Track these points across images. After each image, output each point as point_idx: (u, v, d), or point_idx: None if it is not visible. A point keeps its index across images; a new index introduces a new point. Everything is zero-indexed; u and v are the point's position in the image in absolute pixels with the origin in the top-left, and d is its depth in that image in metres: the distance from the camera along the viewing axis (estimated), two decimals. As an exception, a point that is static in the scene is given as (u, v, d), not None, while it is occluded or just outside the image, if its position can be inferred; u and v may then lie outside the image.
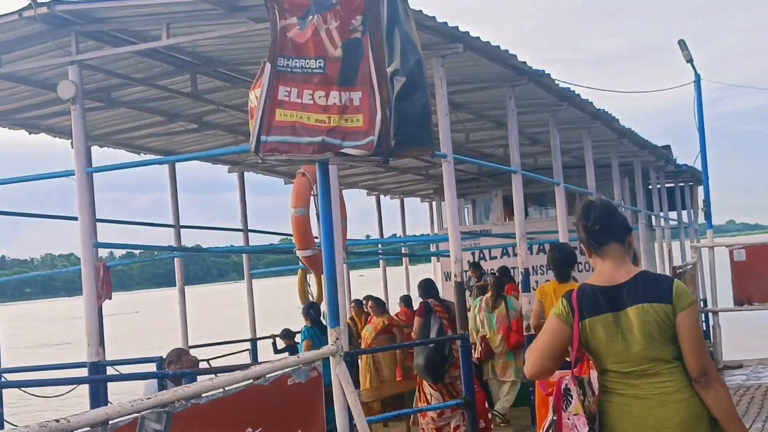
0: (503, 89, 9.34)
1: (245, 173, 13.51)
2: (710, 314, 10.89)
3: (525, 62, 8.90)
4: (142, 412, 3.02)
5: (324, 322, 13.46)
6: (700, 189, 19.42)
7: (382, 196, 17.56)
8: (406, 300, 14.39)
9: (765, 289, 10.73)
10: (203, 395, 3.45)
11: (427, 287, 9.14)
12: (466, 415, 8.03)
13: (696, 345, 3.26)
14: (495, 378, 10.31)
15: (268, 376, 3.98)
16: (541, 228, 16.31)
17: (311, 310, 10.40)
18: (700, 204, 19.42)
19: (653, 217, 16.37)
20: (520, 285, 9.46)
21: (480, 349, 10.15)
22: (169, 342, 10.90)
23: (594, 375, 3.46)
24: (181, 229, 12.02)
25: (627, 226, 3.57)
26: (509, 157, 9.74)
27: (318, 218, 5.48)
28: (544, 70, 9.42)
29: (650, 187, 16.23)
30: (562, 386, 3.41)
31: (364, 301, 15.18)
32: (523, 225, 9.47)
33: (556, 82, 9.82)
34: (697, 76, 11.65)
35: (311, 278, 14.57)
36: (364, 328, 12.29)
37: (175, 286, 12.21)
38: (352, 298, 15.30)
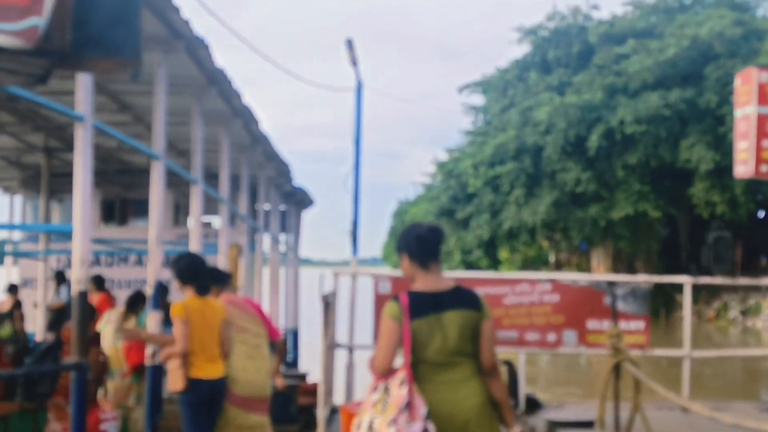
0: (153, 53, 7.32)
1: None
2: (347, 350, 9.69)
3: (188, 22, 7.02)
4: None
5: None
6: (305, 213, 18.70)
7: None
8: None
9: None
10: None
11: None
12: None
13: (492, 345, 4.09)
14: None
15: None
16: (141, 236, 14.42)
17: None
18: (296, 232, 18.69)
19: (269, 239, 15.11)
20: (150, 300, 7.37)
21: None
22: None
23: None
24: None
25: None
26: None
27: None
28: (203, 39, 7.58)
29: (268, 205, 15.00)
30: (402, 376, 3.92)
31: None
32: (161, 226, 7.47)
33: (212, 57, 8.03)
34: (359, 83, 10.61)
35: None
36: None
37: None
38: None
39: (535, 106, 39.40)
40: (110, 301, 11.71)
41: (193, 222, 8.97)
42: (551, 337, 9.94)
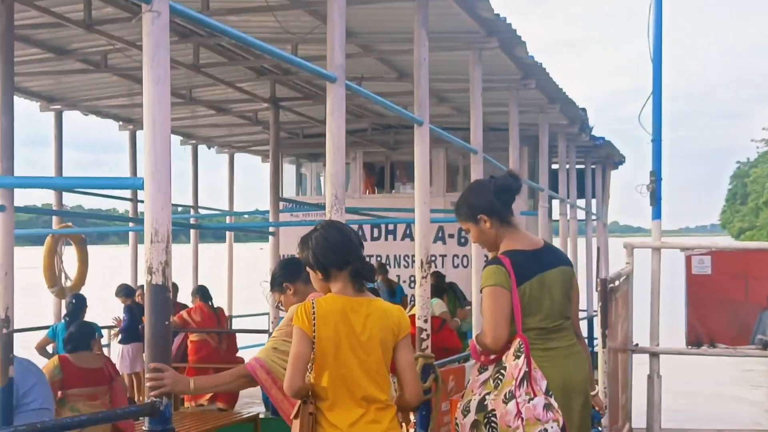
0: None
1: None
2: (649, 356, 6.74)
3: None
4: None
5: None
6: (615, 174, 15.65)
7: (201, 147, 12.94)
8: (203, 292, 10.04)
9: (737, 322, 6.65)
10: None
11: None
12: None
13: (578, 304, 3.84)
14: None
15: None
16: (411, 205, 12.46)
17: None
18: (610, 191, 15.65)
19: (557, 203, 12.35)
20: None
21: None
22: None
23: None
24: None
25: None
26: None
27: None
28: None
29: (556, 162, 12.26)
30: (517, 345, 3.49)
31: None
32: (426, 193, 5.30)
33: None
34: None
35: (66, 249, 10.00)
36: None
37: None
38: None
39: None
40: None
41: (417, 184, 6.55)
42: None
